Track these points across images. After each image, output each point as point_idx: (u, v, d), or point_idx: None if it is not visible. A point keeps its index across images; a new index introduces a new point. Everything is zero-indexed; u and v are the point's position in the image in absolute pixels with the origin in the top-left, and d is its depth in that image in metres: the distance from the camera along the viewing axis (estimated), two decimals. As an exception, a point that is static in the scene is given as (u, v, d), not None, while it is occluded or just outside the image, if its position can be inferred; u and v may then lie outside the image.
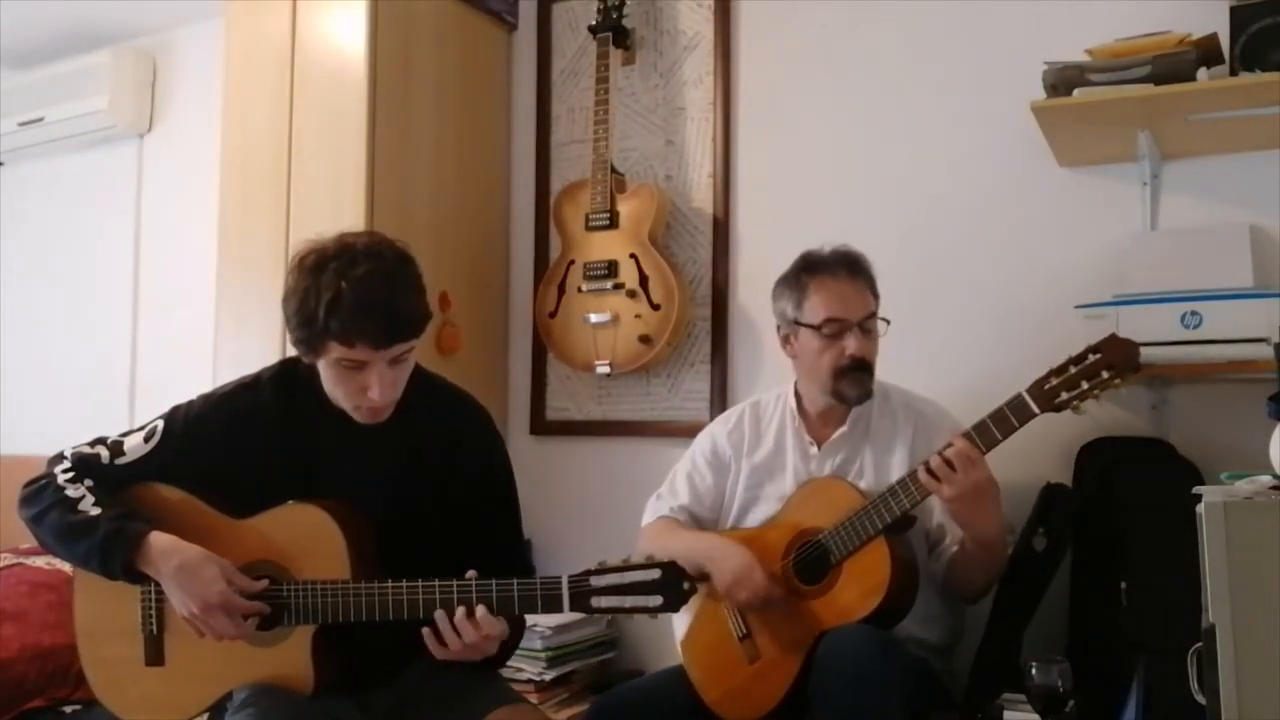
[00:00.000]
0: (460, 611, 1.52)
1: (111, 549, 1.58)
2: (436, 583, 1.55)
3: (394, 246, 1.63)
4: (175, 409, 1.74)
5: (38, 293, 3.75)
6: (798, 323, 2.00)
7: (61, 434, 1.94)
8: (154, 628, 1.68)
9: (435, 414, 1.75)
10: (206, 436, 1.70)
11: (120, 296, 3.54)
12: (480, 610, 1.53)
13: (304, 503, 1.64)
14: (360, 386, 1.60)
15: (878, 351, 2.01)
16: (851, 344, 1.95)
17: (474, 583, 1.55)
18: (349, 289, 1.52)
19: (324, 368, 1.62)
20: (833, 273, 1.98)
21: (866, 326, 1.96)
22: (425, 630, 1.54)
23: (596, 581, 1.49)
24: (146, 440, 1.70)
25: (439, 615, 1.53)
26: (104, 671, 1.73)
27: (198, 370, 2.79)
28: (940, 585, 1.94)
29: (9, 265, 3.82)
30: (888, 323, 1.99)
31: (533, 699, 2.30)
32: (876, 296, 2.01)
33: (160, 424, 1.72)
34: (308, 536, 1.62)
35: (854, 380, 1.97)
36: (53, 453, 1.72)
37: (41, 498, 1.65)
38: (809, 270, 2.00)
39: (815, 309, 1.97)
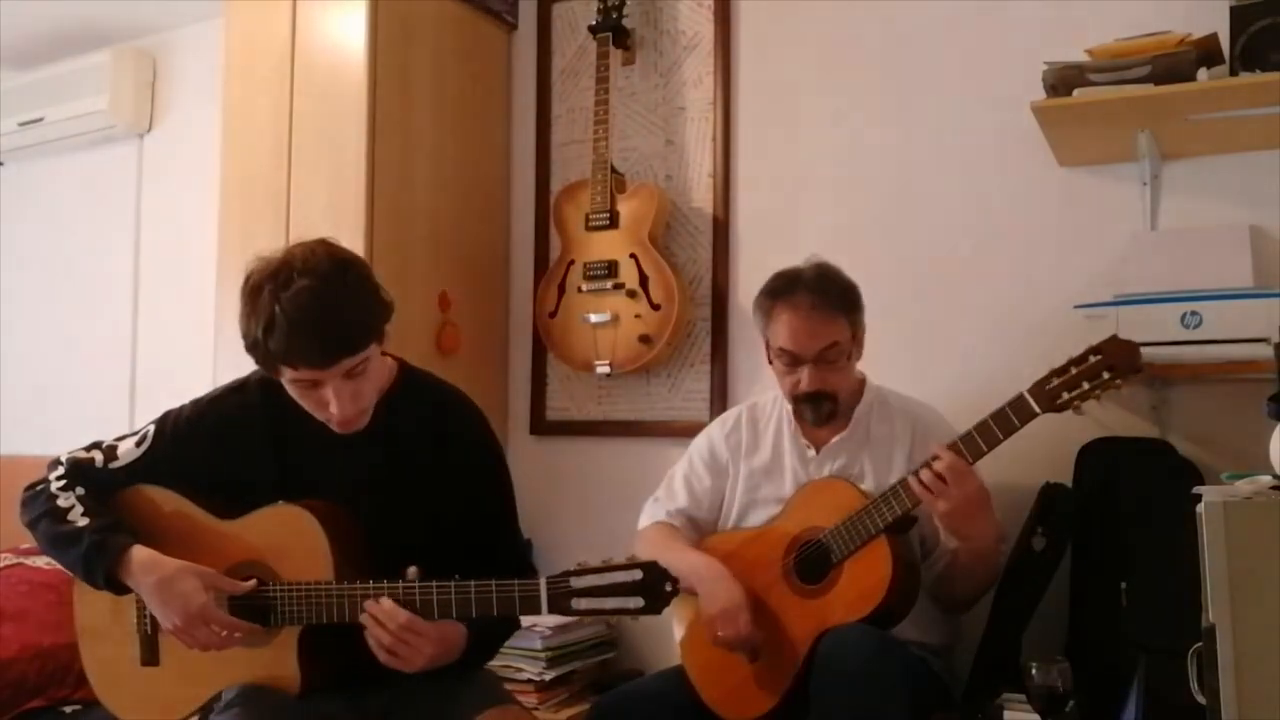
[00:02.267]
0: (402, 615, 1.52)
1: (93, 561, 1.60)
2: (416, 584, 1.55)
3: (334, 255, 1.56)
4: (166, 414, 1.76)
5: (38, 293, 3.75)
6: (767, 341, 2.01)
7: (61, 434, 1.94)
8: (149, 628, 1.69)
9: (420, 410, 1.74)
10: (195, 440, 1.71)
11: (120, 296, 3.54)
12: (405, 616, 1.52)
13: (289, 504, 1.65)
14: (321, 402, 1.59)
15: (846, 377, 1.99)
16: (804, 379, 1.94)
17: (453, 584, 1.54)
18: (280, 312, 1.49)
19: (286, 385, 1.61)
20: (793, 303, 1.93)
21: (827, 357, 1.93)
22: (366, 632, 1.54)
23: (576, 583, 1.46)
24: (138, 445, 1.72)
25: (370, 605, 1.52)
26: (103, 670, 1.75)
27: (198, 370, 2.79)
28: (931, 596, 1.93)
29: (9, 265, 3.82)
30: (846, 355, 1.96)
31: (533, 699, 2.31)
32: (851, 318, 1.96)
33: (151, 429, 1.74)
34: (292, 537, 1.63)
35: (811, 407, 1.98)
36: (53, 453, 1.75)
37: (36, 504, 1.69)
38: (773, 295, 1.97)
39: (774, 336, 1.97)
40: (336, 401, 1.57)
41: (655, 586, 1.43)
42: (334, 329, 1.52)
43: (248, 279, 1.56)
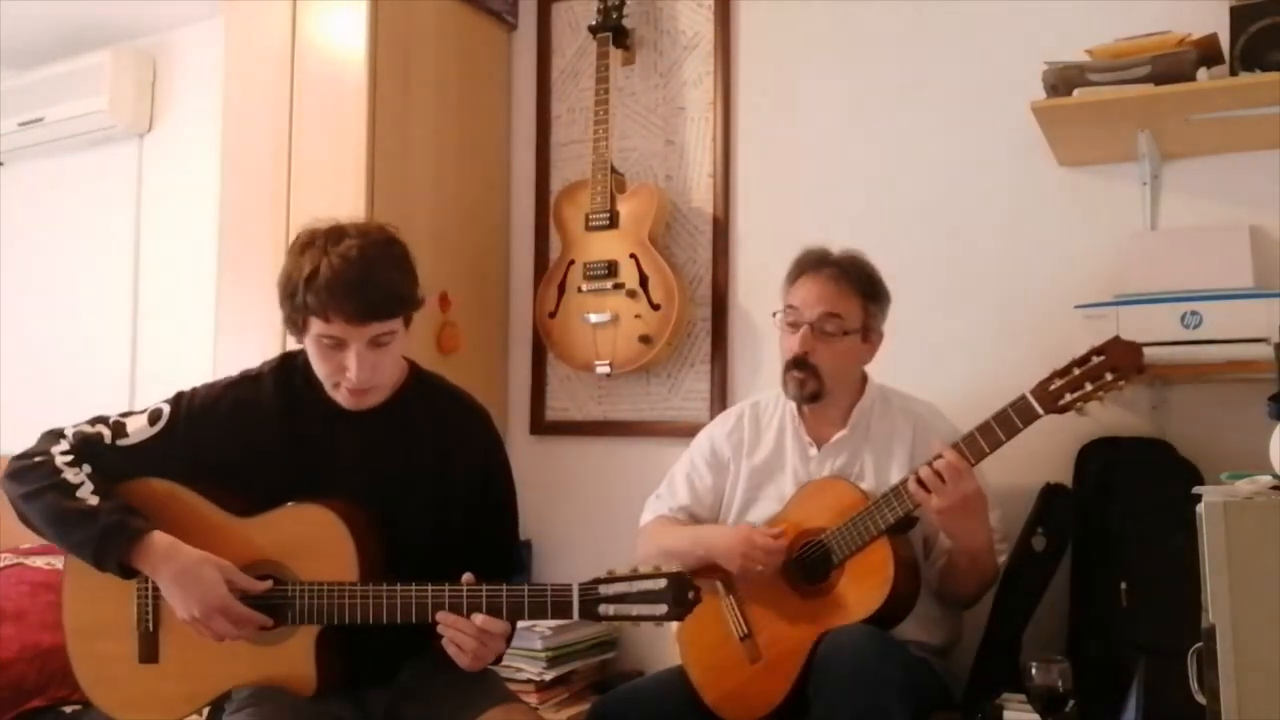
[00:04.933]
0: (476, 615, 1.54)
1: (109, 543, 1.56)
2: (446, 587, 1.55)
3: (385, 229, 1.66)
4: (180, 394, 1.74)
5: (38, 293, 3.75)
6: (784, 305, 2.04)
7: (61, 434, 1.93)
8: (150, 624, 1.67)
9: (433, 413, 1.75)
10: (210, 423, 1.69)
11: (120, 296, 3.53)
12: (479, 617, 1.53)
13: (309, 503, 1.64)
14: (339, 365, 1.61)
15: (837, 357, 1.97)
16: (794, 340, 1.96)
17: (485, 588, 1.55)
18: (328, 264, 1.55)
19: (308, 345, 1.64)
20: (818, 269, 1.99)
21: (824, 327, 1.95)
22: (445, 641, 1.56)
23: (605, 590, 1.51)
24: (151, 423, 1.69)
25: (443, 615, 1.54)
26: (94, 668, 1.72)
27: (198, 370, 2.78)
28: (934, 591, 1.94)
29: (9, 265, 3.82)
30: (846, 334, 1.95)
31: (533, 699, 2.31)
32: (866, 304, 1.98)
33: (166, 407, 1.71)
34: (315, 538, 1.62)
35: (793, 378, 1.98)
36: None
37: (35, 476, 1.62)
38: (801, 265, 2.03)
39: (788, 295, 2.01)
40: (357, 366, 1.59)
41: (679, 593, 1.49)
42: (375, 289, 1.58)
43: (298, 238, 1.63)
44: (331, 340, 1.59)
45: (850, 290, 1.97)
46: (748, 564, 1.88)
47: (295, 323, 1.62)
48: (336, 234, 1.60)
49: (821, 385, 1.98)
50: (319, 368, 1.65)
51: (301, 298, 1.56)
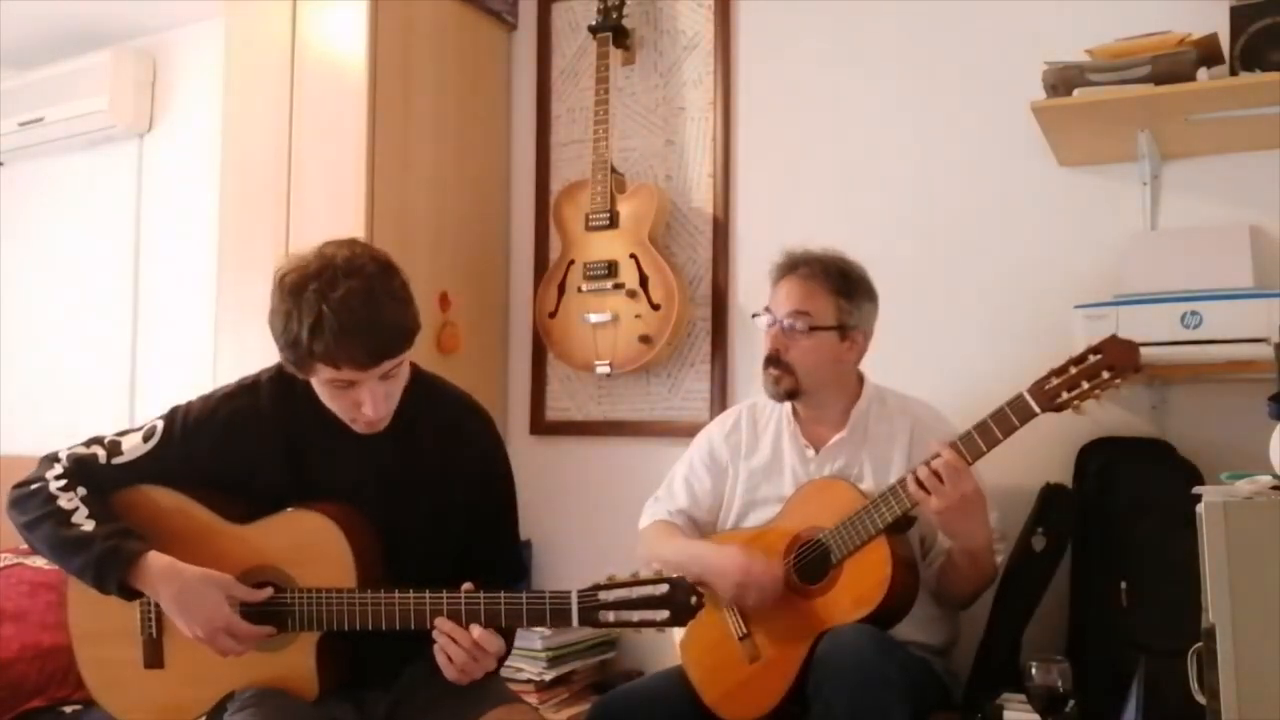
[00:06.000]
0: (474, 627, 1.54)
1: (106, 568, 1.56)
2: (445, 594, 1.55)
3: (376, 258, 1.57)
4: (174, 409, 1.73)
5: (38, 293, 3.75)
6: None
7: (61, 434, 1.93)
8: (153, 631, 1.67)
9: (434, 416, 1.75)
10: (206, 437, 1.69)
11: (120, 296, 3.54)
12: (477, 630, 1.53)
13: (306, 509, 1.63)
14: (353, 402, 1.59)
15: (807, 355, 1.97)
16: (767, 339, 2.00)
17: (482, 595, 1.54)
18: (330, 312, 1.48)
19: (316, 385, 1.61)
20: (792, 270, 2.01)
21: (794, 324, 1.97)
22: (436, 649, 1.55)
23: (605, 596, 1.50)
24: (145, 440, 1.69)
25: (441, 622, 1.54)
26: (101, 673, 1.73)
27: (198, 371, 2.79)
28: (931, 592, 1.93)
29: (9, 265, 3.82)
30: (815, 330, 1.95)
31: (533, 699, 2.31)
32: (840, 302, 1.97)
33: (160, 424, 1.71)
34: (312, 544, 1.61)
35: (768, 375, 2.00)
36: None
37: (33, 505, 1.63)
38: (780, 264, 2.05)
39: (769, 298, 2.04)
40: (371, 402, 1.57)
41: (681, 599, 1.48)
42: (382, 331, 1.53)
43: (283, 278, 1.54)
44: (343, 383, 1.56)
45: (821, 288, 1.97)
46: (742, 594, 1.86)
47: (299, 367, 1.57)
48: (329, 275, 1.50)
49: (797, 382, 1.98)
50: (331, 405, 1.62)
51: (306, 348, 1.50)
